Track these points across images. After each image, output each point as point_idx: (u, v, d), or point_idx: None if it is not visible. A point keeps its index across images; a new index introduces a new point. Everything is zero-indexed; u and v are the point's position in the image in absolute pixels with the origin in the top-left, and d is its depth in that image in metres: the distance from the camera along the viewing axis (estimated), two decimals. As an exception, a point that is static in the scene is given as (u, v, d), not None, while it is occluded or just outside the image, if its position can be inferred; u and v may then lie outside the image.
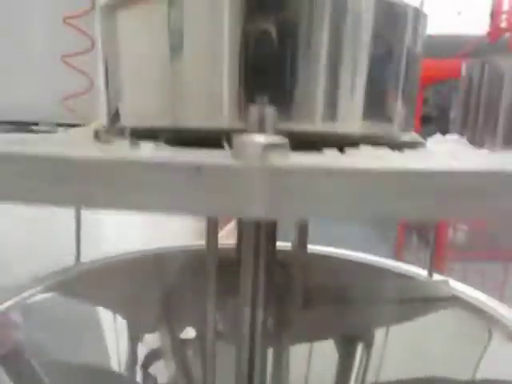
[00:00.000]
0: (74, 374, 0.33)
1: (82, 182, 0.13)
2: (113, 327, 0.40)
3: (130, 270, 0.43)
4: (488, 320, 0.32)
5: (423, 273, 0.40)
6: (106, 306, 0.40)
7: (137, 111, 0.20)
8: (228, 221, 1.53)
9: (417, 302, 0.33)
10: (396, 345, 0.35)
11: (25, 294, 0.34)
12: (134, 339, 0.40)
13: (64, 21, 0.51)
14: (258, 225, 0.31)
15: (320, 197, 0.12)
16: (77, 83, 0.54)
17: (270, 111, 0.13)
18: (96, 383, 0.35)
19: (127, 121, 0.20)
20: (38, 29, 0.63)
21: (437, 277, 0.37)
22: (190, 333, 0.44)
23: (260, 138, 0.13)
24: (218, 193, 0.12)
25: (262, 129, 0.13)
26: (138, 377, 0.39)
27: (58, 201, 0.13)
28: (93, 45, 0.51)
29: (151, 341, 0.42)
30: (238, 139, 0.13)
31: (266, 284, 0.32)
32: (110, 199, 0.13)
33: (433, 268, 0.39)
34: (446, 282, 0.35)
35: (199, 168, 0.12)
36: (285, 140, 0.12)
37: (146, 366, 0.40)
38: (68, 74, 0.54)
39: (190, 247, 0.47)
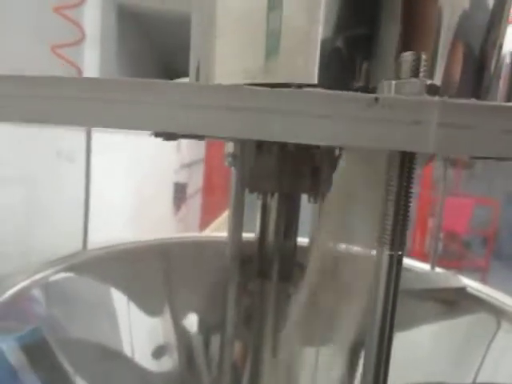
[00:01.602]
0: (86, 351, 0.32)
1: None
2: (123, 310, 0.39)
3: (135, 258, 0.42)
4: (496, 310, 0.34)
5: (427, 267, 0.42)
6: (113, 290, 0.39)
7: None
8: (217, 215, 1.52)
9: (431, 291, 0.34)
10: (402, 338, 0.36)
11: (39, 275, 0.33)
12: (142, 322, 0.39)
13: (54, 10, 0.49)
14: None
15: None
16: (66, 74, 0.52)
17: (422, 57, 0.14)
18: (106, 359, 0.34)
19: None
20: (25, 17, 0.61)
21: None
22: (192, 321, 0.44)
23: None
24: (394, 124, 0.13)
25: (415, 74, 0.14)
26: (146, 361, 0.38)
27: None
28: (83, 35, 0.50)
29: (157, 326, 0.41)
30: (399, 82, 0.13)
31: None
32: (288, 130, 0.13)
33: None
34: (455, 274, 0.37)
35: (377, 98, 0.12)
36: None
37: (153, 353, 0.39)
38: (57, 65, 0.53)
39: (193, 238, 0.47)
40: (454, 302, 0.35)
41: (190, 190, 1.52)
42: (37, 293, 0.32)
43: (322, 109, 0.13)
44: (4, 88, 0.14)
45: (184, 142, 1.48)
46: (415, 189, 0.16)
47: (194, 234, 0.52)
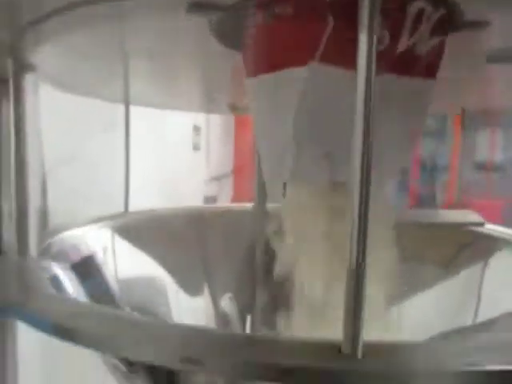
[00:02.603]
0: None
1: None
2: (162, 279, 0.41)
3: (174, 224, 0.44)
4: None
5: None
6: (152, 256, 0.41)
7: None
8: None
9: (451, 226, 0.35)
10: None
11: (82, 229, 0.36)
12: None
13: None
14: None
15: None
16: None
17: None
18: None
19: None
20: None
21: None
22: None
23: None
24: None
25: None
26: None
27: None
28: None
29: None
30: None
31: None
32: None
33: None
34: (474, 212, 0.38)
35: None
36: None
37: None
38: None
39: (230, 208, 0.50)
40: (471, 243, 0.36)
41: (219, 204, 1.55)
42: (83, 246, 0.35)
43: None
44: None
45: (213, 154, 1.52)
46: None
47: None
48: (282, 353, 0.13)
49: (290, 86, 0.19)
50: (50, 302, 0.18)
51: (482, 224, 0.35)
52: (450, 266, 0.36)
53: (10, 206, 0.28)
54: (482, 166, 1.72)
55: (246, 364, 0.13)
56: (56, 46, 0.25)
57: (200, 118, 1.31)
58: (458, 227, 0.35)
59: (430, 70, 0.22)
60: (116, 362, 0.23)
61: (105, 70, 0.30)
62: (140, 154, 0.45)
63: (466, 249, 0.36)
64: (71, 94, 0.36)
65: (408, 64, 0.21)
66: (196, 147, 1.38)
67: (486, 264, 0.34)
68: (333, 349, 0.13)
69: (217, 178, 1.59)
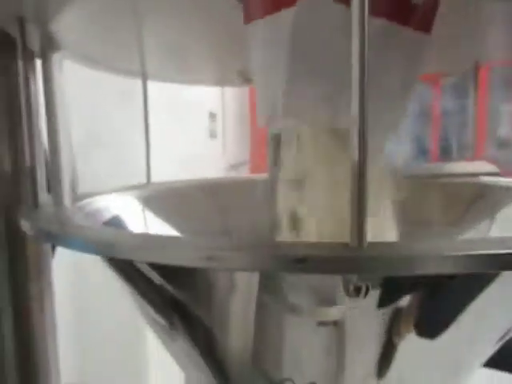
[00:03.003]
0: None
1: None
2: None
3: (193, 194, 0.46)
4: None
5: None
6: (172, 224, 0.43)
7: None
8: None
9: (467, 176, 0.36)
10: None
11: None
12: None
13: None
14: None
15: None
16: None
17: None
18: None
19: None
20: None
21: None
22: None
23: None
24: None
25: None
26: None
27: None
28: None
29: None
30: None
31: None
32: None
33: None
34: (490, 164, 0.38)
35: None
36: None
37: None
38: None
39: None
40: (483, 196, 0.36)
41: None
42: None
43: None
44: None
45: (230, 143, 1.54)
46: None
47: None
48: (297, 248, 0.15)
49: (282, 28, 0.21)
50: (88, 228, 0.20)
51: (496, 174, 0.35)
52: (457, 224, 0.36)
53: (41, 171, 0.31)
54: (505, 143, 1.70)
55: (265, 257, 0.15)
56: (76, 15, 0.27)
57: (215, 104, 1.33)
58: (473, 177, 0.35)
59: (425, 23, 0.23)
60: (156, 316, 0.25)
61: (120, 37, 0.32)
62: (156, 144, 0.46)
63: (476, 203, 0.36)
64: (94, 70, 0.38)
65: (403, 12, 0.22)
66: (213, 135, 1.40)
67: (492, 219, 0.35)
68: (341, 244, 0.15)
69: (234, 167, 1.61)
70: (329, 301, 0.20)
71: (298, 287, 0.20)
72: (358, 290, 0.15)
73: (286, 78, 0.21)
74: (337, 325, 0.20)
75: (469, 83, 0.41)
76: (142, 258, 0.16)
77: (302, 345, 0.22)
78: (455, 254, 0.14)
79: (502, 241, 0.15)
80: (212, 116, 1.37)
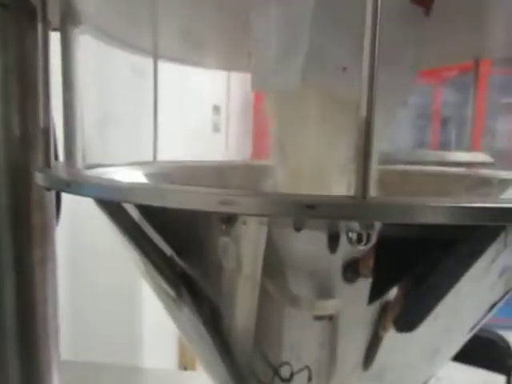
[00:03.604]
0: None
1: None
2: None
3: (197, 172, 0.47)
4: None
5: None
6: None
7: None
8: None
9: (460, 165, 0.37)
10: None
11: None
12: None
13: None
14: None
15: None
16: None
17: None
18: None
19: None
20: None
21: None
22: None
23: None
24: None
25: None
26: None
27: None
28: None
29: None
30: None
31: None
32: None
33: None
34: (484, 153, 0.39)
35: None
36: None
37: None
38: None
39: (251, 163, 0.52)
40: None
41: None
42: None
43: None
44: None
45: (232, 138, 1.55)
46: None
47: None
48: (307, 196, 0.16)
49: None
50: (101, 178, 0.21)
51: (491, 164, 0.36)
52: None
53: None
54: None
55: (275, 202, 0.16)
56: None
57: (220, 96, 1.33)
58: (467, 167, 0.36)
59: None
60: (166, 287, 0.26)
61: (135, 13, 0.33)
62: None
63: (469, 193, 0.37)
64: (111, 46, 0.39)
65: None
66: (216, 128, 1.40)
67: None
68: (347, 196, 0.16)
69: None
70: (326, 288, 0.21)
71: (300, 276, 0.21)
72: (359, 238, 0.16)
73: (307, 42, 0.22)
74: (331, 319, 0.22)
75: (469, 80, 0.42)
76: (156, 202, 0.17)
77: (299, 334, 0.23)
78: (450, 205, 0.15)
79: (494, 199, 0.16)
80: (216, 109, 1.37)
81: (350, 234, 0.16)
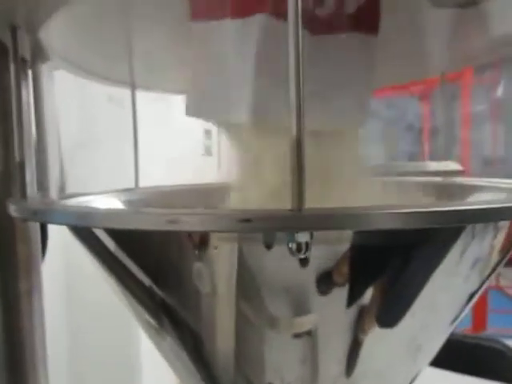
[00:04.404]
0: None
1: None
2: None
3: (181, 199, 0.48)
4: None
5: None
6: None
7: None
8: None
9: (431, 174, 0.38)
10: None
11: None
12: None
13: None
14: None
15: None
16: None
17: None
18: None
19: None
20: None
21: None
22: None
23: None
24: None
25: None
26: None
27: None
28: None
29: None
30: None
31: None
32: None
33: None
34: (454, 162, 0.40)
35: None
36: None
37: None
38: None
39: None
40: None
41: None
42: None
43: None
44: None
45: (224, 162, 1.56)
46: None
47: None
48: (244, 211, 0.17)
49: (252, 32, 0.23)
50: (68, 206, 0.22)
51: (461, 172, 0.37)
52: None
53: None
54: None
55: (215, 218, 0.17)
56: (65, 23, 0.29)
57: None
58: (438, 176, 0.37)
59: (368, 25, 0.25)
60: (148, 318, 0.27)
61: (109, 46, 0.34)
62: (149, 160, 0.48)
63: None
64: (83, 79, 0.41)
65: (341, 23, 0.24)
66: (208, 152, 1.41)
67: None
68: (283, 210, 0.17)
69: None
70: (302, 304, 0.22)
71: (275, 295, 0.22)
72: (299, 248, 0.17)
73: (251, 80, 0.24)
74: (310, 334, 0.23)
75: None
76: (109, 225, 0.18)
77: (279, 353, 0.24)
78: (375, 212, 0.16)
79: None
80: (207, 133, 1.38)
81: (290, 245, 0.17)
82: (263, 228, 0.16)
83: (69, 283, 0.85)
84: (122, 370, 0.92)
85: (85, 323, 0.88)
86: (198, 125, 1.33)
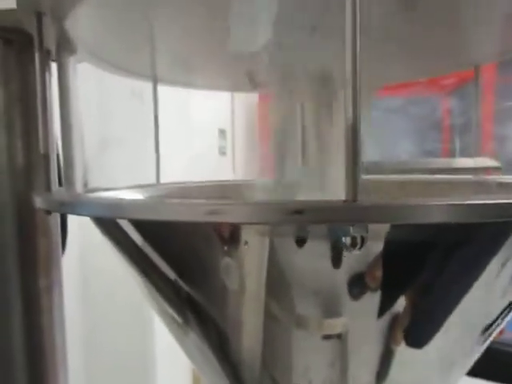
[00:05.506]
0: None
1: None
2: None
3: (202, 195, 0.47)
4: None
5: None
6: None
7: None
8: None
9: (468, 171, 0.36)
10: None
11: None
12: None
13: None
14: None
15: None
16: None
17: None
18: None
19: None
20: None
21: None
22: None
23: None
24: None
25: None
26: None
27: None
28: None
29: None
30: None
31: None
32: None
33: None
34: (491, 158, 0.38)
35: None
36: None
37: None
38: None
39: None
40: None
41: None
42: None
43: None
44: None
45: (238, 160, 1.55)
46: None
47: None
48: (296, 202, 0.16)
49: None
50: (95, 197, 0.21)
51: (498, 168, 0.36)
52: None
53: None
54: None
55: (263, 209, 0.15)
56: (90, 13, 0.28)
57: (225, 120, 1.34)
58: (474, 172, 0.36)
59: None
60: (172, 313, 0.26)
61: (132, 39, 0.33)
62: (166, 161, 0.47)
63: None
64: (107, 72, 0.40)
65: None
66: (222, 152, 1.40)
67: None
68: (337, 201, 0.16)
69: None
70: (333, 306, 0.21)
71: (305, 295, 0.21)
72: (354, 242, 0.15)
73: None
74: (340, 337, 0.22)
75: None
76: (145, 216, 0.17)
77: (307, 355, 0.23)
78: (438, 204, 0.15)
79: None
80: (222, 132, 1.38)
81: (344, 239, 0.15)
82: (317, 220, 0.15)
83: (84, 280, 0.85)
84: (136, 366, 0.91)
85: (99, 320, 0.88)
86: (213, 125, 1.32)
